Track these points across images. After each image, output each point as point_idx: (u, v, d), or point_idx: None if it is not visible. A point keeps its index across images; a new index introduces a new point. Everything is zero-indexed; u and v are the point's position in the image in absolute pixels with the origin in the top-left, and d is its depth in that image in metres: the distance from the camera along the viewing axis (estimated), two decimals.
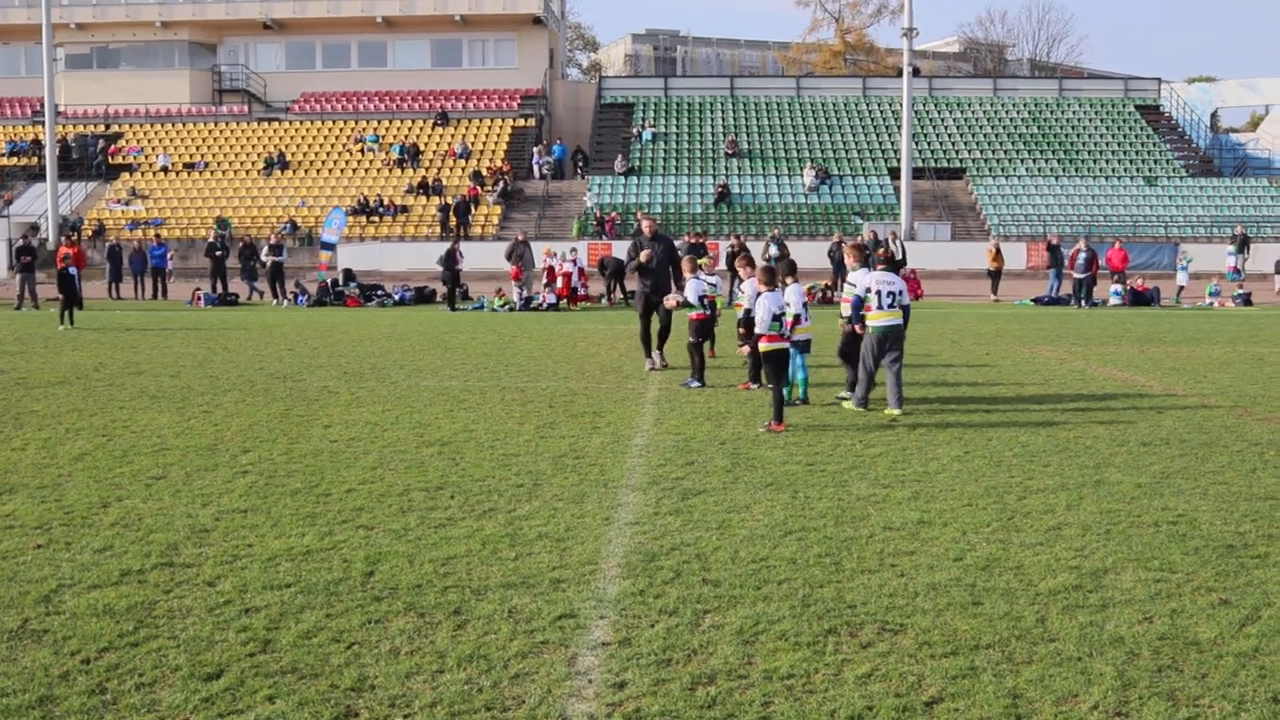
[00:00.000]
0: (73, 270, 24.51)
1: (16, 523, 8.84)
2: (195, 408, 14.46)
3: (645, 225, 18.28)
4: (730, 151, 57.86)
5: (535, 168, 57.42)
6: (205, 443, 12.09)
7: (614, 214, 51.13)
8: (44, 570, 7.62)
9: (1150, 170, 56.56)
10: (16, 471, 10.70)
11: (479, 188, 54.20)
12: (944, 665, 5.99)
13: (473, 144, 59.14)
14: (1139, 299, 34.47)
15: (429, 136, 60.37)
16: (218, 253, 37.93)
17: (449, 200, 52.26)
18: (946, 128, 60.57)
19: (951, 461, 10.96)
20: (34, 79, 59.14)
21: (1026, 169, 56.60)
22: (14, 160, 59.83)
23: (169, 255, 39.88)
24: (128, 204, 54.81)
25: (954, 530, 8.51)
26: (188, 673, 5.92)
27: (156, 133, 61.89)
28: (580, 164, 58.30)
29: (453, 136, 60.02)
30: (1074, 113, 61.43)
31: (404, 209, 53.06)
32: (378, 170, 57.44)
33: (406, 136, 60.04)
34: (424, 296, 35.57)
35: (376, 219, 52.22)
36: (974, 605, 6.88)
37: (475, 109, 62.68)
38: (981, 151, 58.33)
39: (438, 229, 50.49)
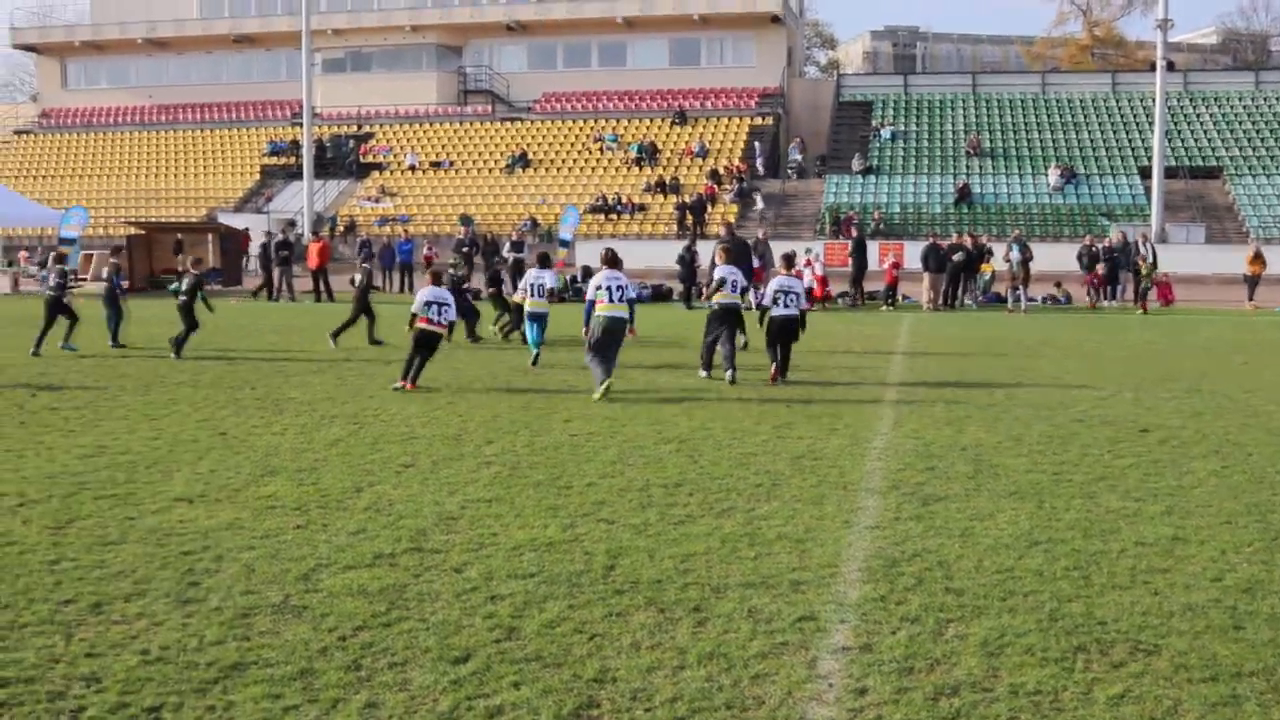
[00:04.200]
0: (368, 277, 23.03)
1: (278, 504, 9.30)
2: (440, 398, 14.94)
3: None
4: (972, 150, 56.59)
5: (789, 161, 57.31)
6: (450, 433, 12.48)
7: (852, 213, 50.63)
8: (303, 550, 8.00)
9: None
10: (278, 455, 11.26)
11: (715, 186, 54.41)
12: (1203, 691, 5.73)
13: (710, 142, 59.42)
14: None
15: (667, 135, 60.91)
16: (465, 249, 39.07)
17: (685, 199, 52.64)
18: (1202, 124, 57.87)
19: (1208, 476, 10.48)
20: (293, 82, 61.98)
21: None
22: (274, 160, 62.91)
23: (427, 246, 41.16)
24: (378, 201, 57.02)
25: (1212, 549, 8.13)
26: (437, 655, 6.13)
27: (405, 133, 64.17)
28: (818, 163, 57.92)
29: (690, 135, 60.40)
30: None
31: (641, 207, 53.67)
32: (616, 169, 58.25)
33: (645, 135, 60.70)
34: (660, 294, 35.92)
35: (615, 217, 52.96)
36: (1235, 630, 6.56)
37: (713, 108, 62.92)
38: (1240, 149, 55.50)
39: (674, 227, 50.90)
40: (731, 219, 50.44)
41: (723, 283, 17.17)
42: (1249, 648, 6.27)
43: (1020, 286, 31.43)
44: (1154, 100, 49.21)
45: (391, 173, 60.33)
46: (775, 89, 63.57)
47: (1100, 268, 34.35)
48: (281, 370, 17.83)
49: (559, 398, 15.04)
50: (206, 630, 6.45)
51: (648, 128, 61.75)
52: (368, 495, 9.58)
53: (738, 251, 20.00)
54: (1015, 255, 31.59)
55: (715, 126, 61.28)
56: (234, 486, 9.90)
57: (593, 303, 15.56)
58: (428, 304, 16.22)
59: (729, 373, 16.55)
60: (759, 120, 61.43)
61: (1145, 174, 51.75)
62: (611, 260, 16.13)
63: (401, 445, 11.77)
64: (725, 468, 10.67)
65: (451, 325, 17.21)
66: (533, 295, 19.13)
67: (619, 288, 15.57)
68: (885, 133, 58.96)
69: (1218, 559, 7.90)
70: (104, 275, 20.93)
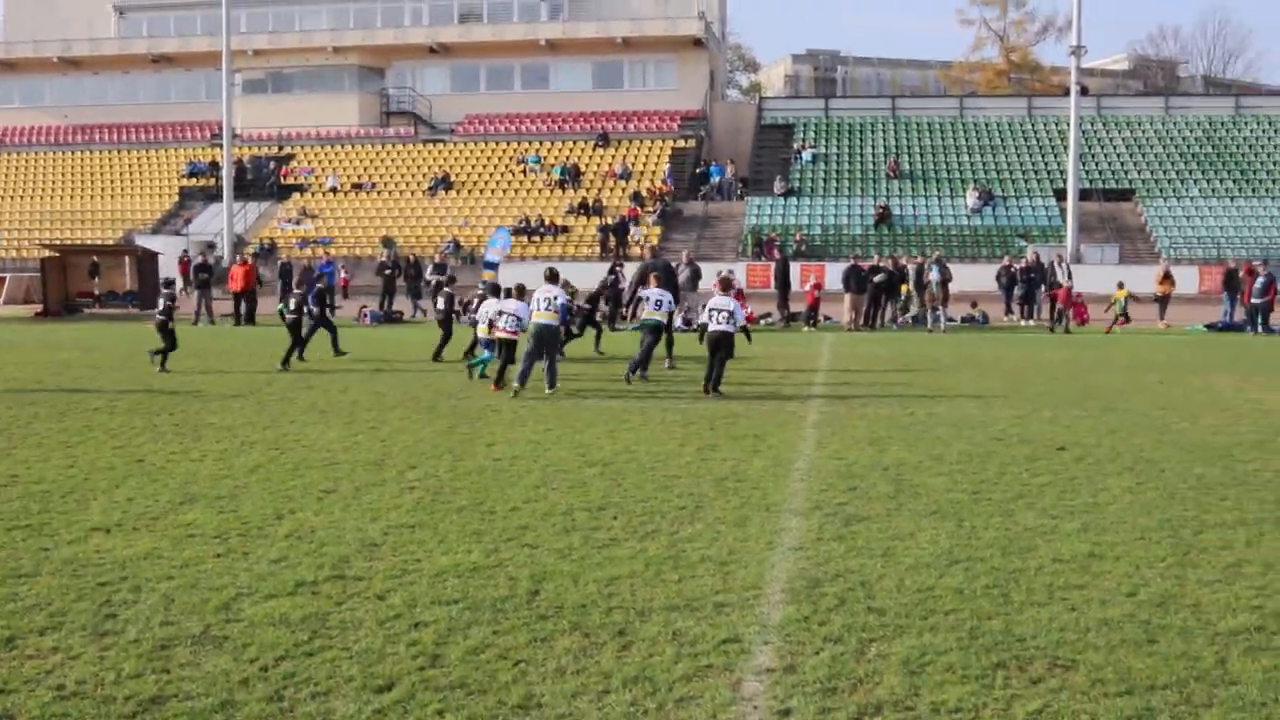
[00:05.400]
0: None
1: (197, 532, 9.18)
2: (362, 423, 14.84)
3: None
4: (891, 173, 57.29)
5: (713, 183, 57.66)
6: (373, 458, 12.39)
7: (773, 234, 51.02)
8: (223, 579, 7.90)
9: None
10: (197, 482, 11.12)
11: (639, 208, 54.59)
12: (1119, 705, 5.84)
13: (633, 165, 59.62)
14: None
15: (590, 157, 61.05)
16: (387, 271, 38.84)
17: (608, 221, 52.76)
18: (1115, 147, 59.06)
19: (1123, 493, 10.68)
20: (213, 103, 61.36)
21: (1200, 189, 54.84)
22: (193, 181, 62.19)
23: (339, 270, 40.86)
24: (298, 223, 56.57)
25: (1126, 564, 8.28)
26: (360, 684, 6.08)
27: (327, 154, 63.75)
28: (739, 185, 58.32)
29: (613, 157, 60.60)
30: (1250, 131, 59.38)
31: (564, 229, 53.73)
32: (539, 191, 58.27)
33: (567, 157, 60.81)
34: (587, 317, 35.84)
35: (537, 239, 52.95)
36: (1149, 643, 6.69)
37: (635, 130, 63.17)
38: (1152, 172, 56.70)
39: (597, 249, 50.99)
40: (655, 240, 50.66)
41: (646, 299, 20.04)
42: (1162, 660, 6.40)
43: (940, 306, 31.84)
44: (1069, 124, 50.24)
45: (312, 194, 59.88)
46: (697, 111, 63.98)
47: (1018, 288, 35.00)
48: (200, 395, 17.61)
49: (482, 422, 14.99)
50: (124, 663, 6.35)
51: (570, 150, 61.86)
52: (289, 522, 9.48)
53: (665, 275, 22.42)
54: (935, 276, 31.99)
55: (638, 148, 61.52)
56: (152, 515, 9.75)
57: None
58: (500, 314, 18.41)
59: (636, 372, 18.96)
60: (681, 142, 61.77)
61: (1060, 196, 52.74)
62: (551, 277, 18.51)
63: (323, 471, 11.67)
64: (649, 490, 10.70)
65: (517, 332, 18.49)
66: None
67: (549, 299, 17.81)
68: (806, 155, 59.53)
69: (1132, 574, 8.05)
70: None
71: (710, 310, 17.76)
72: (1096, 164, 57.39)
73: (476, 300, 22.80)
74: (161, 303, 21.61)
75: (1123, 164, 57.73)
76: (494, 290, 20.83)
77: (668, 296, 20.49)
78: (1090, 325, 33.21)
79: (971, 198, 54.11)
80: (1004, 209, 53.96)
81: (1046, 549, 8.67)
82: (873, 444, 13.29)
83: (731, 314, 17.60)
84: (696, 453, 12.70)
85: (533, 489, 10.77)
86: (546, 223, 53.81)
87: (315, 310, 22.68)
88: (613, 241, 50.60)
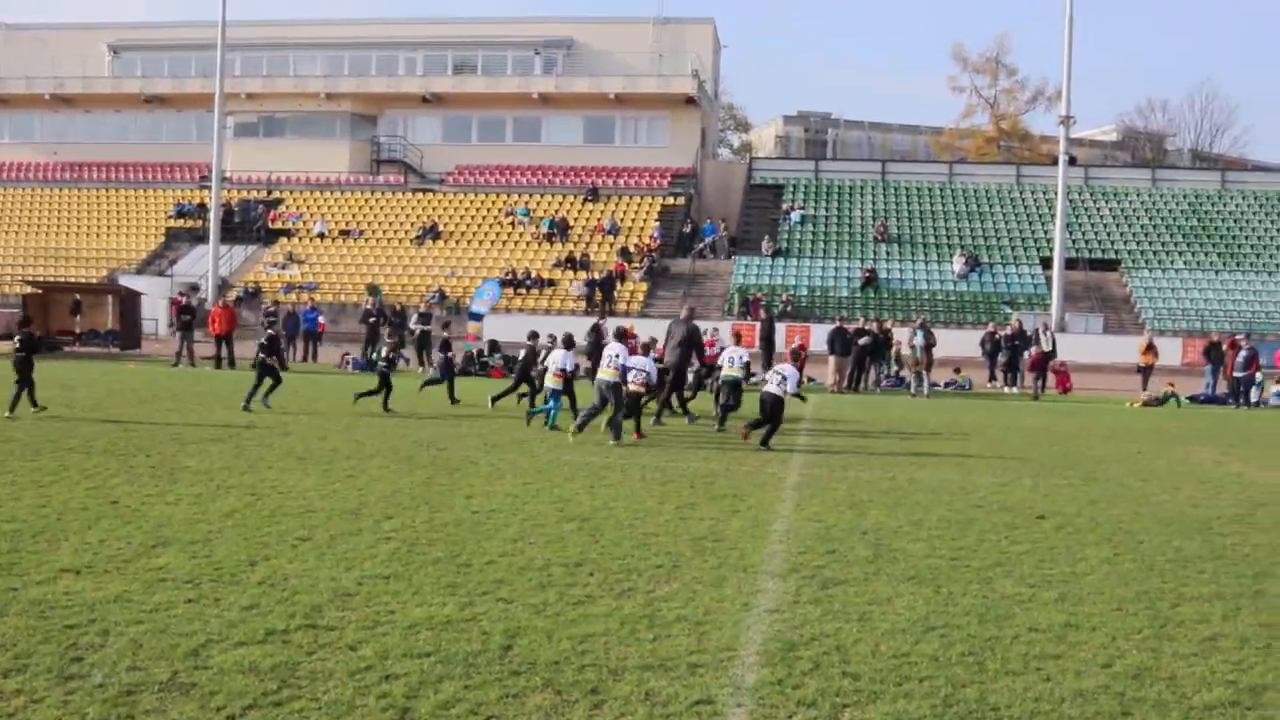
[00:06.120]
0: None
1: (169, 576, 9.12)
2: (340, 471, 14.79)
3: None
4: (879, 236, 57.63)
5: (705, 241, 57.91)
6: (349, 507, 12.35)
7: (759, 294, 51.21)
8: (193, 625, 7.85)
9: None
10: (170, 526, 11.06)
11: (626, 264, 54.78)
12: None
13: (622, 220, 59.88)
14: None
15: (579, 211, 61.32)
16: (371, 319, 38.84)
17: (595, 275, 52.92)
18: (1102, 217, 59.56)
19: (1100, 563, 10.68)
20: (203, 145, 61.52)
21: (1185, 262, 55.25)
22: (180, 222, 62.27)
23: (320, 319, 40.88)
24: (284, 268, 56.61)
25: (1103, 635, 8.28)
26: None
27: (315, 200, 63.92)
28: (728, 244, 58.57)
29: (602, 212, 60.87)
30: (1236, 206, 59.94)
31: (551, 282, 53.84)
32: (527, 243, 58.44)
33: (557, 211, 61.06)
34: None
35: (524, 291, 53.05)
36: (1124, 716, 6.68)
37: (625, 186, 63.51)
38: (1138, 243, 57.15)
39: (583, 304, 51.11)
40: (641, 296, 50.78)
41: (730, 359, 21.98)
42: None
43: (924, 371, 31.95)
44: (1056, 193, 50.66)
45: (300, 239, 59.96)
46: (688, 169, 64.39)
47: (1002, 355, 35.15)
48: (178, 438, 17.54)
49: (461, 474, 14.96)
50: (89, 708, 6.30)
51: (560, 203, 62.13)
52: (262, 569, 9.43)
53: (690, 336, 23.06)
54: (919, 340, 32.12)
55: (627, 204, 61.82)
56: (123, 557, 9.69)
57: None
58: (628, 369, 19.32)
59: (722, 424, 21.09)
60: (671, 200, 62.10)
61: (1047, 264, 53.06)
62: (619, 335, 20.47)
63: (299, 518, 11.62)
64: (626, 548, 10.67)
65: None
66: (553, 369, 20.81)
67: (612, 356, 19.17)
68: (795, 216, 59.88)
69: (1108, 645, 8.04)
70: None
71: (772, 374, 19.54)
72: (1083, 233, 57.83)
73: (545, 350, 23.12)
74: (264, 336, 22.57)
75: (1109, 234, 58.19)
76: (567, 343, 21.52)
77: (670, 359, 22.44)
78: (1074, 395, 33.31)
79: (958, 263, 54.43)
80: (990, 275, 54.28)
81: (1023, 618, 8.66)
82: (852, 507, 13.29)
83: (784, 378, 19.13)
84: (675, 511, 12.69)
85: (510, 543, 10.73)
86: (533, 275, 53.94)
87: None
88: (599, 297, 50.73)
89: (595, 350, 32.52)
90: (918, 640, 8.01)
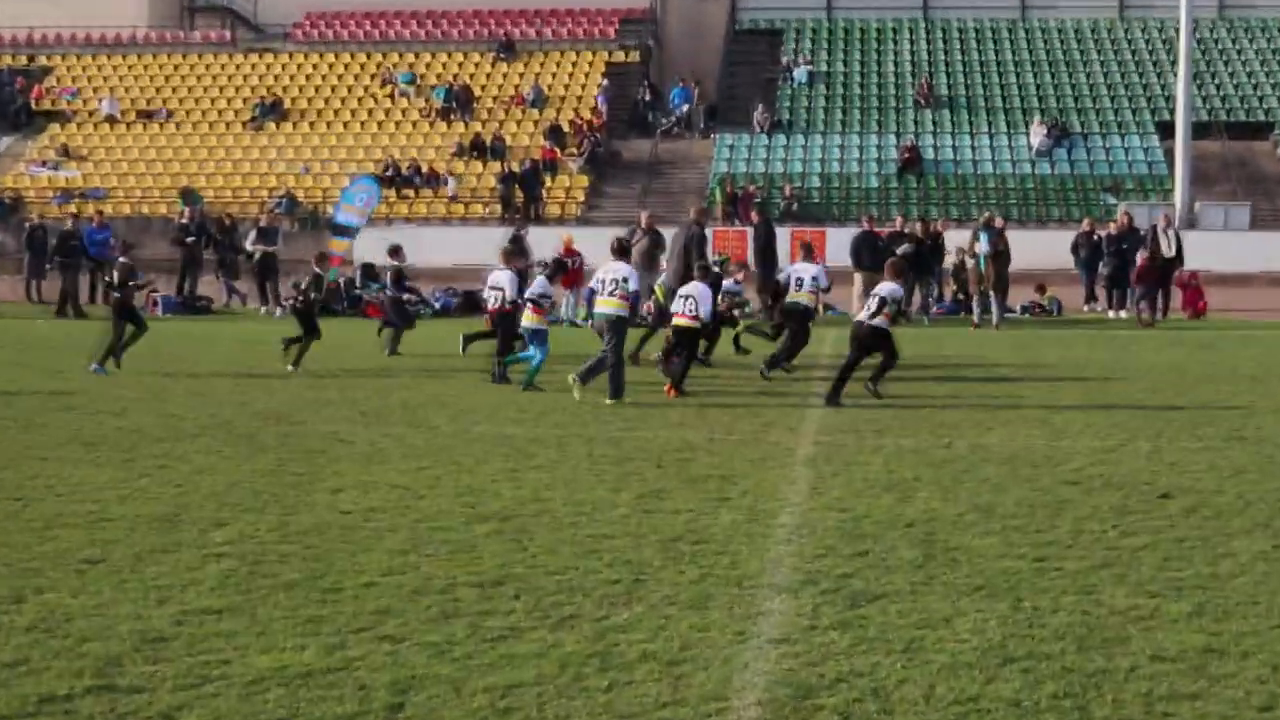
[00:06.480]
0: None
1: None
2: (148, 460, 14.69)
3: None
4: (923, 99, 57.63)
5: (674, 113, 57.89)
6: (162, 511, 12.26)
7: (752, 188, 51.11)
8: None
9: None
10: None
11: (557, 150, 54.57)
12: None
13: (550, 87, 59.61)
14: None
15: (487, 75, 61.03)
16: (189, 239, 38.55)
17: (513, 167, 52.67)
18: (1245, 62, 59.75)
19: (1254, 560, 10.72)
20: None
21: None
22: None
23: (113, 242, 40.47)
24: (56, 168, 56.08)
25: (1259, 664, 8.30)
26: None
27: (100, 67, 63.35)
28: (705, 116, 58.45)
29: (521, 76, 60.58)
30: None
31: (449, 178, 53.58)
32: (413, 123, 58.12)
33: (455, 75, 60.73)
34: (476, 303, 35.80)
35: (410, 193, 52.80)
36: None
37: (554, 37, 63.18)
38: None
39: (498, 208, 50.93)
40: (581, 195, 50.62)
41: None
42: None
43: (992, 291, 31.98)
44: (1177, 30, 50.65)
45: (79, 126, 59.42)
46: (643, 10, 64.13)
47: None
48: None
49: (325, 458, 14.91)
50: None
51: (459, 64, 61.83)
52: (33, 607, 9.33)
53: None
54: (984, 247, 32.16)
55: (557, 63, 61.55)
56: None
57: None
58: (681, 298, 20.49)
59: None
60: (620, 55, 61.86)
61: (1166, 132, 53.18)
62: (619, 250, 21.19)
63: (87, 532, 11.51)
64: (567, 558, 10.63)
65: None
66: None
67: (618, 280, 19.66)
68: (800, 73, 59.77)
69: (1268, 679, 8.06)
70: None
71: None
72: (1219, 86, 58.01)
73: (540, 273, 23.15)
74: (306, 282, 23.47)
75: (1256, 86, 58.37)
76: (558, 267, 22.77)
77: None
78: (1209, 319, 33.54)
79: (1037, 135, 54.52)
80: (1084, 151, 54.45)
81: (1143, 642, 8.68)
82: (892, 489, 13.31)
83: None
84: (636, 502, 12.67)
85: (397, 555, 10.68)
86: (423, 169, 53.65)
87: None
88: (519, 197, 50.53)
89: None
90: (991, 678, 8.01)
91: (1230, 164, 53.57)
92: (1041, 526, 11.79)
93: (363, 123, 58.59)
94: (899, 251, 32.88)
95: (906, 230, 34.41)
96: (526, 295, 21.12)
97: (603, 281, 19.89)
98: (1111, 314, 35.14)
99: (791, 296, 22.66)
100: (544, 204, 51.06)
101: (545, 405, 18.67)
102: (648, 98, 59.59)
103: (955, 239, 35.77)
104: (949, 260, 35.32)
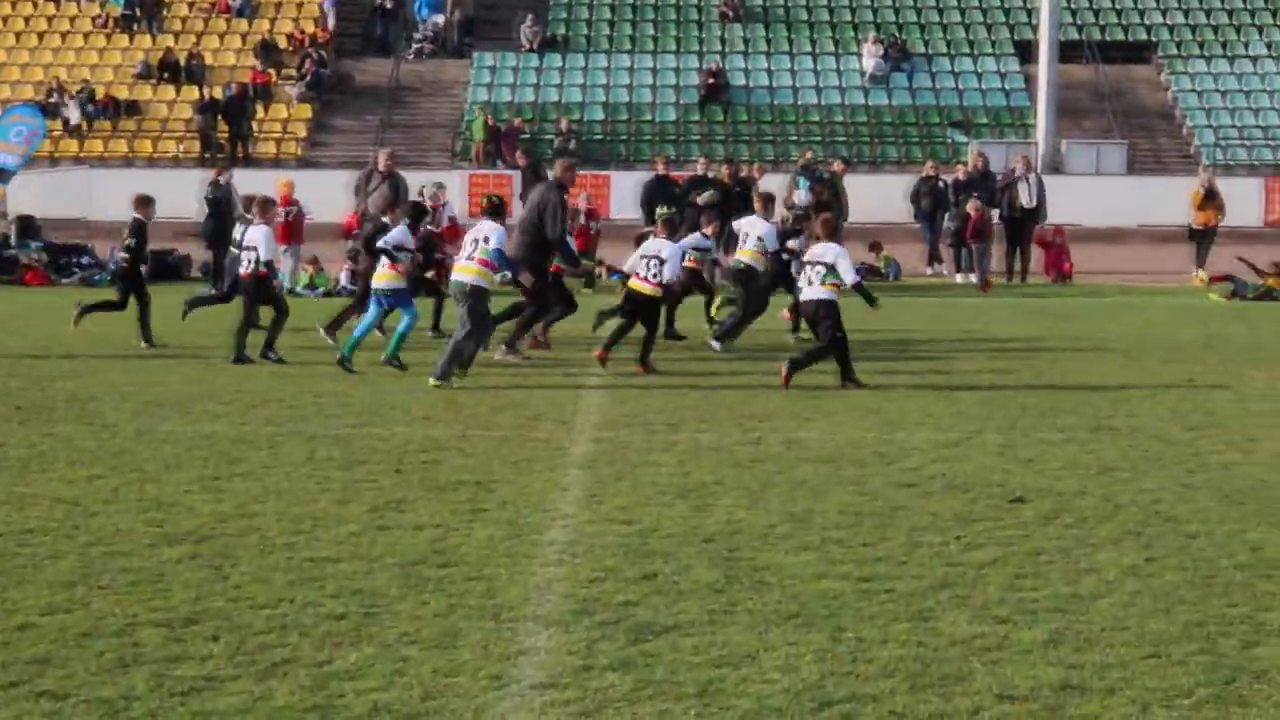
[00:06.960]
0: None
1: None
2: None
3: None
4: (730, 12, 57.90)
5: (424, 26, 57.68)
6: None
7: (519, 121, 51.11)
8: None
9: None
10: None
11: (271, 73, 54.14)
12: None
13: None
14: None
15: None
16: None
17: (215, 94, 52.16)
18: None
19: (1123, 575, 10.97)
20: None
21: (1266, 47, 56.64)
22: None
23: None
24: None
25: (1125, 702, 8.50)
26: None
27: None
28: (459, 32, 58.36)
29: None
30: None
31: (132, 107, 52.94)
32: (85, 38, 57.30)
33: None
34: (168, 267, 35.39)
35: (82, 125, 52.07)
36: None
37: None
38: (1187, 16, 58.39)
39: (195, 145, 50.42)
40: (304, 131, 50.30)
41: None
42: None
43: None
44: None
45: None
46: None
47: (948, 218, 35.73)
48: None
49: None
50: None
51: None
52: None
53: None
54: (803, 196, 32.45)
55: None
56: None
57: None
58: (643, 257, 21.69)
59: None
60: None
61: (1026, 54, 53.97)
62: (492, 209, 21.14)
63: None
64: (279, 588, 10.60)
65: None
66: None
67: (476, 240, 20.32)
68: None
69: (1134, 718, 8.26)
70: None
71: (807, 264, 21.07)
72: (1090, 2, 58.80)
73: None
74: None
75: (1135, 2, 59.23)
76: (416, 213, 23.03)
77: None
78: (1076, 283, 34.17)
79: (871, 57, 54.98)
80: (928, 77, 55.04)
81: (989, 678, 8.84)
82: (686, 496, 13.42)
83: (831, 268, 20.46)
84: (369, 516, 12.66)
85: (61, 589, 10.56)
86: (99, 97, 52.94)
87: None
88: (223, 131, 50.05)
89: (219, 227, 32.07)
90: None
91: (1104, 94, 54.37)
92: (869, 539, 11.96)
93: (18, 34, 57.62)
94: (700, 201, 33.15)
95: (710, 175, 34.56)
96: (380, 244, 21.47)
97: (465, 243, 20.67)
98: (960, 278, 35.58)
99: (736, 255, 23.41)
100: (255, 141, 50.63)
101: (255, 396, 18.52)
102: (388, 5, 59.25)
103: (770, 184, 36.00)
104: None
